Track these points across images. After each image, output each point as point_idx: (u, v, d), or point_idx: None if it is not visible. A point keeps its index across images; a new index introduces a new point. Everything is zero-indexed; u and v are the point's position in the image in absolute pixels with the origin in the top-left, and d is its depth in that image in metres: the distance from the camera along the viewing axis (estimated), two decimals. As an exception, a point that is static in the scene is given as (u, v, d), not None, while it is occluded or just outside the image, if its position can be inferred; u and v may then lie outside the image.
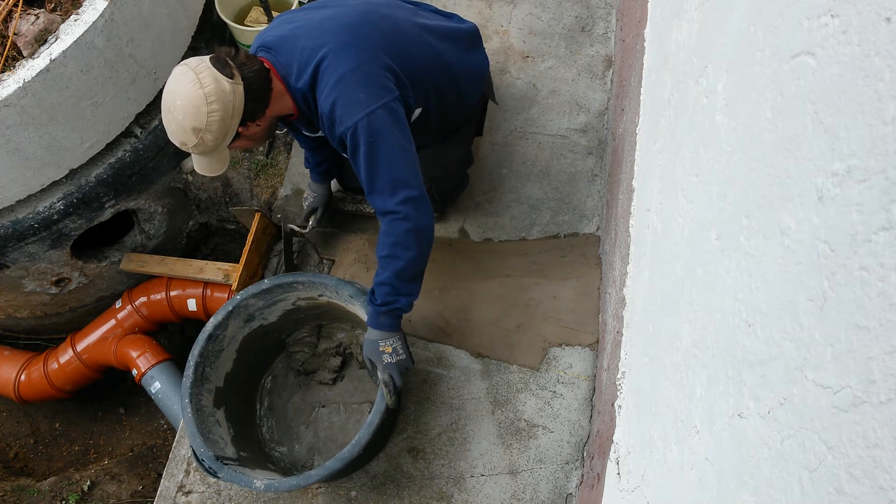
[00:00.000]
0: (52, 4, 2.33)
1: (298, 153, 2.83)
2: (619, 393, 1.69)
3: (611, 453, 1.66)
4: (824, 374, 0.67)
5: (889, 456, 0.55)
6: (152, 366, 2.80)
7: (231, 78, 1.64)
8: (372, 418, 1.83)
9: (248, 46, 2.03)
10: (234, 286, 2.55)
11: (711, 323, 1.04)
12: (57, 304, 3.01)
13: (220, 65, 1.64)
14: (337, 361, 2.34)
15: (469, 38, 2.13)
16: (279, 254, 2.69)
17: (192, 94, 1.61)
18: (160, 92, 2.66)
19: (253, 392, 2.34)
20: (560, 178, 2.62)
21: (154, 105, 2.65)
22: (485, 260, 2.49)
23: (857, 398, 0.60)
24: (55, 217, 2.54)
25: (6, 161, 2.26)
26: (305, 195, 2.48)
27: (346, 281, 2.03)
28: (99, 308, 3.08)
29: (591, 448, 2.04)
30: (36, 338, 3.31)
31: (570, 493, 2.09)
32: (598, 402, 2.09)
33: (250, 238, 2.58)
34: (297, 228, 2.53)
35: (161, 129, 2.68)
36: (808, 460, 0.68)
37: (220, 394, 2.10)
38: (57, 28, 2.25)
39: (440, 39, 1.98)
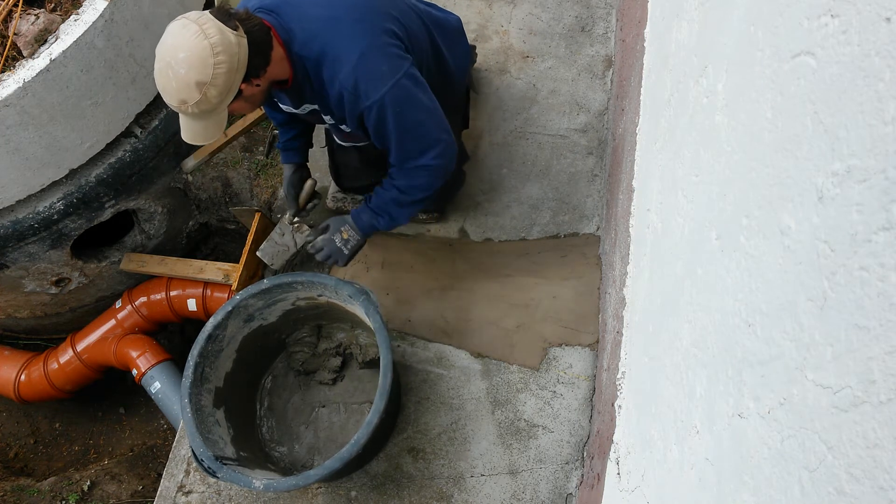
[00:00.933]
0: (52, 4, 2.33)
1: (298, 153, 2.83)
2: (619, 393, 1.69)
3: (611, 453, 1.66)
4: (824, 374, 0.67)
5: (889, 456, 0.55)
6: (152, 366, 2.80)
7: (235, 30, 1.59)
8: (371, 418, 1.83)
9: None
10: (234, 286, 2.55)
11: (711, 323, 1.04)
12: (57, 304, 3.01)
13: (223, 16, 1.59)
14: (337, 361, 2.34)
15: (455, 30, 2.16)
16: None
17: (198, 46, 1.53)
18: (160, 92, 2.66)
19: (253, 392, 2.34)
20: (560, 178, 2.62)
21: (154, 105, 2.65)
22: (485, 260, 2.49)
23: (857, 398, 0.60)
24: (55, 217, 2.54)
25: (6, 161, 2.26)
26: (282, 189, 2.41)
27: (346, 281, 2.03)
28: (99, 308, 3.08)
29: (591, 448, 2.04)
30: (36, 338, 3.31)
31: (570, 493, 2.09)
32: (598, 402, 2.09)
33: (250, 238, 2.58)
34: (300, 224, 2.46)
35: (161, 128, 2.68)
36: (808, 460, 0.68)
37: (220, 394, 2.10)
38: (57, 28, 2.25)
39: (431, 23, 2.00)
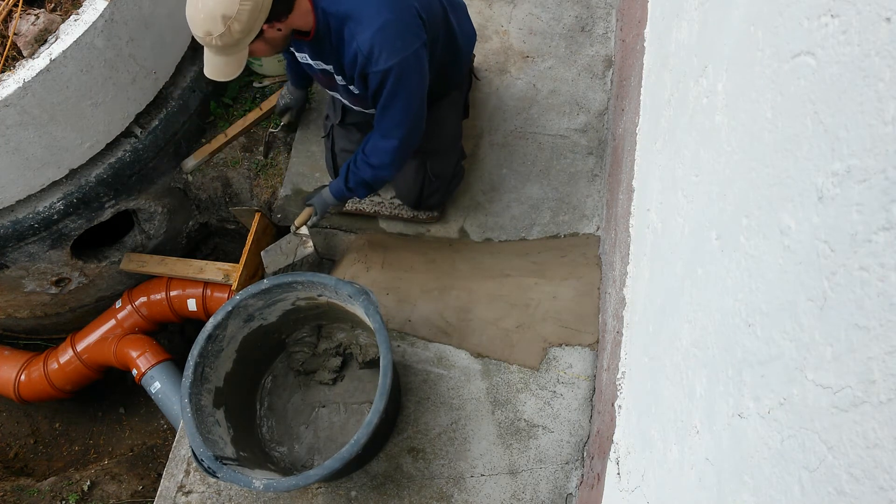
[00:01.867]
0: (52, 4, 2.33)
1: (298, 153, 2.83)
2: (619, 393, 1.69)
3: (611, 453, 1.66)
4: (824, 374, 0.67)
5: (889, 456, 0.55)
6: (152, 366, 2.80)
7: None
8: (371, 418, 1.83)
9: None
10: (234, 286, 2.55)
11: (711, 323, 1.04)
12: (57, 304, 3.01)
13: None
14: (337, 361, 2.34)
15: (462, 9, 2.31)
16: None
17: None
18: (160, 92, 2.66)
19: (253, 392, 2.34)
20: (560, 178, 2.62)
21: (154, 105, 2.65)
22: (485, 260, 2.49)
23: (857, 398, 0.60)
24: (55, 217, 2.54)
25: (6, 161, 2.26)
26: (282, 93, 2.62)
27: (346, 281, 2.03)
28: (99, 308, 3.08)
29: (591, 448, 2.04)
30: (36, 338, 3.31)
31: (570, 493, 2.09)
32: (598, 402, 2.09)
33: (250, 238, 2.58)
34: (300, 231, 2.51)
35: (161, 128, 2.68)
36: (808, 460, 0.68)
37: (220, 394, 2.10)
38: (57, 28, 2.25)
39: (446, 2, 2.12)
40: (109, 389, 3.42)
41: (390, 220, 2.64)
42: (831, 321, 0.66)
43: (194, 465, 2.25)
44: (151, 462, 3.19)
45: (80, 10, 2.28)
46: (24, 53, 2.22)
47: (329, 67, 2.04)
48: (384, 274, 2.51)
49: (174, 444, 2.34)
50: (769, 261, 0.83)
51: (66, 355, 2.95)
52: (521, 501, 2.08)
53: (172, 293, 2.88)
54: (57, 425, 3.42)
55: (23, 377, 2.98)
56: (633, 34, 2.26)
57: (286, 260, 2.47)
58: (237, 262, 2.62)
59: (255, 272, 2.66)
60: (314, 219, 2.41)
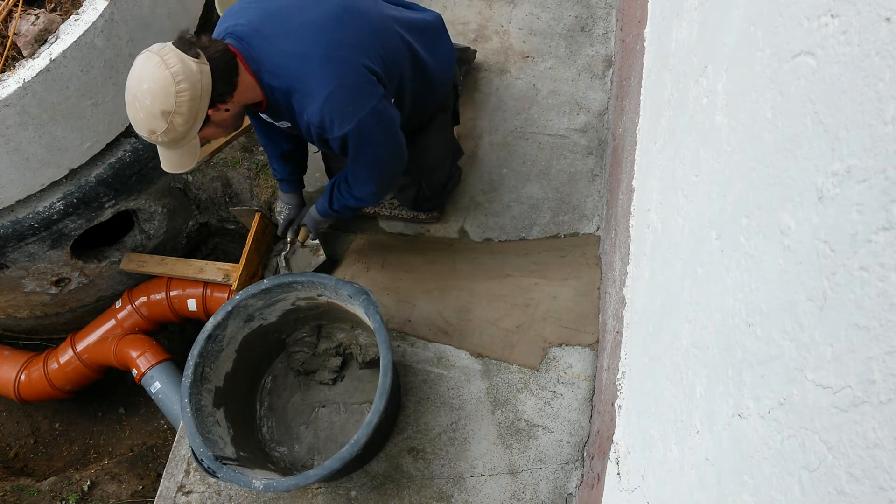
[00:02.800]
0: (52, 4, 2.33)
1: (298, 153, 2.83)
2: (619, 393, 1.69)
3: (611, 453, 1.66)
4: (824, 374, 0.67)
5: (889, 456, 0.55)
6: (152, 366, 2.80)
7: (196, 58, 1.62)
8: (371, 418, 1.83)
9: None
10: (234, 286, 2.55)
11: (711, 323, 1.04)
12: (57, 304, 3.01)
13: (183, 45, 1.62)
14: (337, 361, 2.34)
15: (435, 28, 2.16)
16: (279, 253, 2.68)
17: (160, 76, 1.58)
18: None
19: (253, 392, 2.34)
20: (560, 178, 2.62)
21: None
22: (485, 260, 2.49)
23: (857, 398, 0.60)
24: (55, 217, 2.54)
25: (6, 161, 2.26)
26: (279, 209, 2.45)
27: (346, 281, 2.03)
28: (99, 308, 3.08)
29: (591, 448, 2.04)
30: (36, 338, 3.31)
31: (570, 493, 2.09)
32: (598, 402, 2.09)
33: (250, 238, 2.58)
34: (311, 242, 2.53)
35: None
36: (808, 460, 0.68)
37: (220, 394, 2.10)
38: (57, 28, 2.25)
39: (409, 31, 2.00)
40: (109, 389, 3.42)
41: (390, 221, 2.64)
42: (831, 321, 0.66)
43: (194, 465, 2.25)
44: (151, 462, 3.19)
45: (80, 10, 2.28)
46: (24, 53, 2.22)
47: (290, 125, 1.96)
48: (384, 274, 2.51)
49: (174, 444, 2.34)
50: (769, 261, 0.83)
51: (66, 355, 2.95)
52: (521, 501, 2.08)
53: (172, 293, 2.88)
54: (57, 425, 3.42)
55: (23, 377, 2.98)
56: (633, 34, 2.26)
57: (310, 265, 2.51)
58: (237, 262, 2.62)
59: (255, 272, 2.66)
60: (311, 235, 2.41)
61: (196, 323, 3.08)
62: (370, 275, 2.51)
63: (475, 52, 2.82)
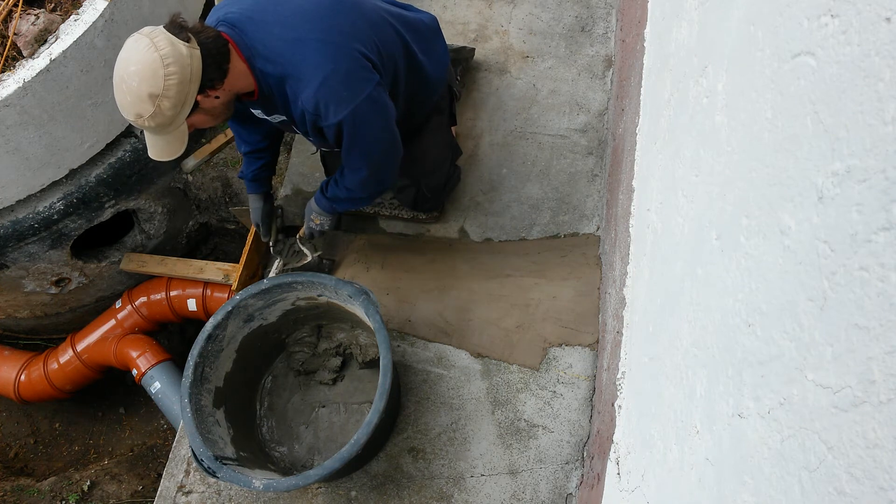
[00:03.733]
0: (52, 4, 2.33)
1: (299, 153, 2.83)
2: (619, 393, 1.69)
3: (611, 453, 1.66)
4: (824, 374, 0.67)
5: (889, 456, 0.55)
6: (152, 366, 2.80)
7: (187, 42, 1.60)
8: (371, 418, 1.83)
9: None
10: (234, 286, 2.55)
11: (711, 323, 1.04)
12: (57, 304, 3.01)
13: (175, 29, 1.60)
14: (337, 361, 2.34)
15: (430, 29, 2.14)
16: (279, 253, 2.68)
17: (148, 58, 1.55)
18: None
19: (253, 392, 2.34)
20: (560, 178, 2.62)
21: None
22: (485, 260, 2.49)
23: (857, 398, 0.60)
24: (55, 217, 2.54)
25: (6, 161, 2.26)
26: (253, 219, 2.42)
27: (346, 281, 2.03)
28: (99, 308, 3.08)
29: (591, 448, 2.04)
30: (36, 338, 3.31)
31: (570, 493, 2.09)
32: (598, 402, 2.09)
33: (250, 238, 2.58)
34: (303, 249, 2.52)
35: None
36: (808, 460, 0.68)
37: (220, 394, 2.10)
38: (57, 28, 2.25)
39: (404, 27, 1.99)
40: (109, 389, 3.42)
41: (390, 220, 2.64)
42: (831, 321, 0.66)
43: (194, 465, 2.25)
44: (151, 462, 3.19)
45: (80, 10, 2.28)
46: (24, 53, 2.22)
47: (285, 118, 1.94)
48: (384, 274, 2.51)
49: (174, 444, 2.34)
50: (769, 261, 0.83)
51: (66, 355, 2.95)
52: (521, 501, 2.08)
53: (172, 293, 2.88)
54: (57, 425, 3.42)
55: (23, 377, 2.98)
56: (633, 34, 2.26)
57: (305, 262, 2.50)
58: (237, 262, 2.62)
59: (255, 272, 2.66)
60: (305, 231, 2.34)
61: (196, 323, 3.08)
62: (370, 275, 2.51)
63: (473, 50, 2.82)
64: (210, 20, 1.79)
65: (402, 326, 2.39)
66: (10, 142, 2.22)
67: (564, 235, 2.52)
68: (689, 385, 1.11)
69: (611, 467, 1.62)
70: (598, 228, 2.50)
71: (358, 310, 2.06)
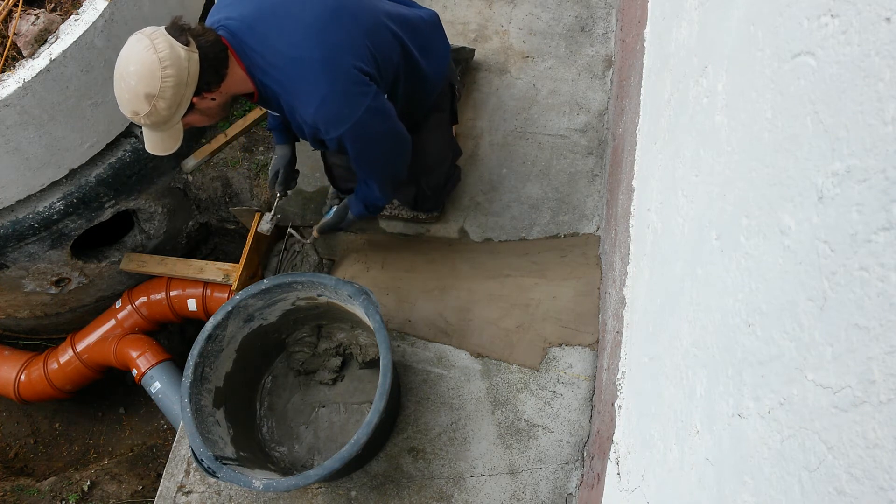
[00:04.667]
0: (52, 4, 2.33)
1: (299, 153, 2.83)
2: (619, 393, 1.69)
3: (611, 453, 1.66)
4: (824, 374, 0.67)
5: (889, 456, 0.55)
6: (152, 366, 2.80)
7: (186, 45, 1.63)
8: (371, 417, 1.83)
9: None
10: (234, 286, 2.55)
11: (711, 323, 1.04)
12: (57, 304, 3.01)
13: (175, 32, 1.64)
14: (337, 361, 2.34)
15: (430, 26, 2.15)
16: (279, 253, 2.68)
17: (147, 59, 1.59)
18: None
19: (253, 392, 2.34)
20: (560, 178, 2.62)
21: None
22: (485, 260, 2.49)
23: (857, 398, 0.60)
24: (55, 217, 2.54)
25: (6, 161, 2.26)
26: (272, 162, 2.42)
27: (346, 281, 2.03)
28: (99, 308, 3.08)
29: (591, 448, 2.04)
30: (36, 338, 3.31)
31: (570, 493, 2.09)
32: (598, 402, 2.09)
33: (250, 238, 2.59)
34: (296, 235, 2.52)
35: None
36: (808, 460, 0.68)
37: (220, 394, 2.10)
38: (57, 28, 2.25)
39: (402, 28, 1.99)
40: (109, 389, 3.42)
41: (390, 220, 2.64)
42: (831, 321, 0.66)
43: (194, 465, 2.25)
44: (151, 462, 3.19)
45: (80, 10, 2.28)
46: (24, 53, 2.22)
47: (283, 117, 1.97)
48: (384, 274, 2.51)
49: (174, 444, 2.34)
50: (769, 261, 0.83)
51: (66, 355, 2.95)
52: (521, 501, 2.08)
53: (172, 293, 2.88)
54: (57, 425, 3.42)
55: (23, 377, 2.98)
56: (633, 34, 2.26)
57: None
58: (237, 262, 2.62)
59: (255, 272, 2.66)
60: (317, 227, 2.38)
61: (196, 323, 3.08)
62: (370, 275, 2.51)
63: (472, 51, 2.82)
64: (210, 22, 1.80)
65: (402, 326, 2.39)
66: (10, 142, 2.22)
67: (564, 235, 2.52)
68: (689, 385, 1.11)
69: (611, 467, 1.62)
70: (598, 228, 2.50)
71: (358, 310, 2.06)
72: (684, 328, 1.17)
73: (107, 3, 2.28)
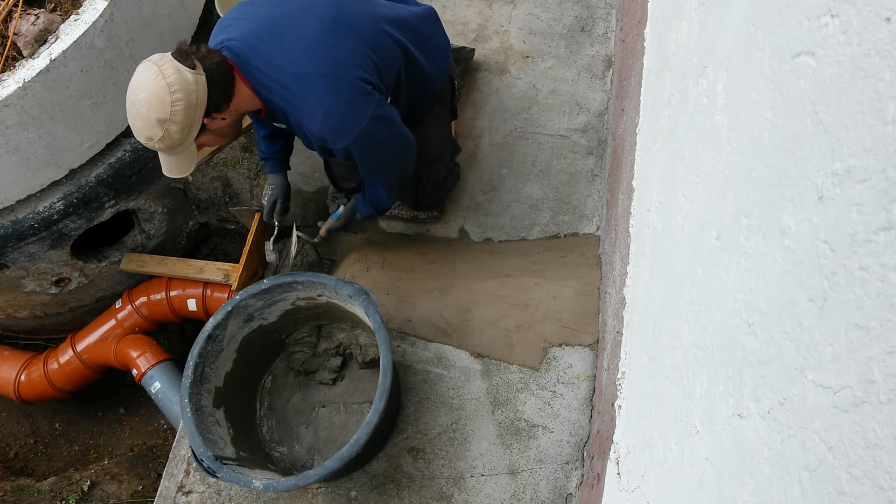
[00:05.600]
0: (52, 4, 2.33)
1: (298, 153, 2.83)
2: (619, 393, 1.69)
3: (611, 453, 1.66)
4: (824, 374, 0.67)
5: (889, 456, 0.55)
6: (152, 366, 2.80)
7: (193, 69, 1.67)
8: (371, 418, 1.83)
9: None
10: (234, 286, 2.55)
11: (711, 323, 1.04)
12: (57, 304, 3.01)
13: (181, 56, 1.67)
14: (337, 361, 2.34)
15: (427, 22, 2.16)
16: (280, 252, 2.68)
17: (155, 85, 1.64)
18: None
19: (253, 392, 2.34)
20: (560, 178, 2.62)
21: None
22: (485, 260, 2.49)
23: (857, 398, 0.60)
24: (55, 217, 2.54)
25: (6, 161, 2.26)
26: (265, 191, 2.44)
27: (346, 281, 2.03)
28: (99, 308, 3.08)
29: (591, 448, 2.04)
30: (36, 338, 3.31)
31: (570, 493, 2.09)
32: (598, 402, 2.09)
33: (250, 238, 2.59)
34: (303, 236, 2.52)
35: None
36: (808, 460, 0.68)
37: (220, 394, 2.10)
38: (57, 28, 2.25)
39: (400, 30, 2.00)
40: (109, 389, 3.42)
41: (390, 220, 2.64)
42: (831, 321, 0.66)
43: (194, 465, 2.25)
44: (151, 462, 3.19)
45: (80, 10, 2.28)
46: (24, 53, 2.22)
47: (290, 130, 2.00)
48: (384, 274, 2.51)
49: (174, 444, 2.34)
50: (769, 261, 0.83)
51: (66, 355, 2.95)
52: (521, 501, 2.08)
53: (172, 293, 2.88)
54: (57, 425, 3.42)
55: (23, 377, 2.98)
56: (633, 34, 2.26)
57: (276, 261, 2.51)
58: (237, 262, 2.62)
59: (255, 272, 2.66)
60: (323, 228, 2.45)
61: (196, 323, 3.08)
62: (370, 275, 2.51)
63: (472, 50, 2.82)
64: (213, 43, 1.84)
65: (402, 326, 2.39)
66: (10, 142, 2.22)
67: (564, 235, 2.52)
68: (689, 385, 1.11)
69: (611, 467, 1.62)
70: (598, 228, 2.50)
71: (358, 310, 2.06)
72: (684, 328, 1.17)
73: (107, 3, 2.28)
